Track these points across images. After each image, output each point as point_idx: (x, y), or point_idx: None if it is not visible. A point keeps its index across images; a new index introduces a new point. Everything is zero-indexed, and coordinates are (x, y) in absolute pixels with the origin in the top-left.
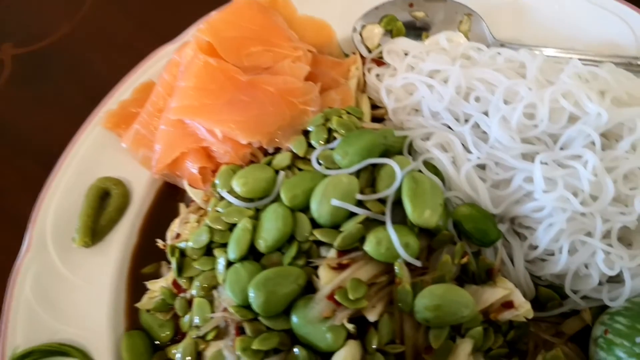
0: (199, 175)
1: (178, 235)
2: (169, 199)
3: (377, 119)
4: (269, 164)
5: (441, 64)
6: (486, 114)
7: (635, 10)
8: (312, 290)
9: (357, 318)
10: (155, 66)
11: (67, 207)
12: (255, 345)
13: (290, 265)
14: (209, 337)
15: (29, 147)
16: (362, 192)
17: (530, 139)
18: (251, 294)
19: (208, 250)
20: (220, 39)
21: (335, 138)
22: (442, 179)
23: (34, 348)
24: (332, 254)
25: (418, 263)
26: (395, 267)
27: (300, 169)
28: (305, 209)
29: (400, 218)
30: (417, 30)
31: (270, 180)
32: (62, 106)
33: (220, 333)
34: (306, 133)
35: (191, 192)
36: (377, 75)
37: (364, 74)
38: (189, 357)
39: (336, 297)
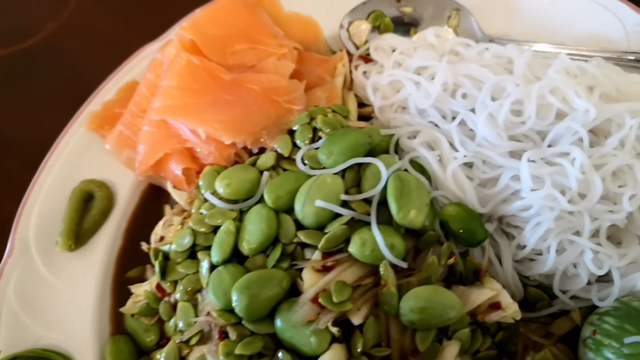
0: (182, 176)
1: (162, 238)
2: (154, 201)
3: (364, 117)
4: (253, 164)
5: (428, 60)
6: (473, 111)
7: (625, 4)
8: (297, 293)
9: (343, 321)
10: (140, 65)
11: (51, 210)
12: (238, 350)
13: (275, 268)
14: (193, 341)
15: (12, 148)
16: (347, 192)
17: (517, 136)
18: (234, 298)
19: (192, 253)
20: (204, 37)
21: (320, 137)
22: (429, 178)
23: (16, 354)
24: (316, 256)
25: (404, 264)
26: (381, 269)
27: (285, 169)
28: (290, 210)
29: (386, 218)
30: (405, 26)
31: (254, 181)
32: (47, 106)
33: (204, 337)
34: (291, 132)
35: (175, 194)
36: (364, 73)
37: (350, 71)
38: None
39: (320, 300)
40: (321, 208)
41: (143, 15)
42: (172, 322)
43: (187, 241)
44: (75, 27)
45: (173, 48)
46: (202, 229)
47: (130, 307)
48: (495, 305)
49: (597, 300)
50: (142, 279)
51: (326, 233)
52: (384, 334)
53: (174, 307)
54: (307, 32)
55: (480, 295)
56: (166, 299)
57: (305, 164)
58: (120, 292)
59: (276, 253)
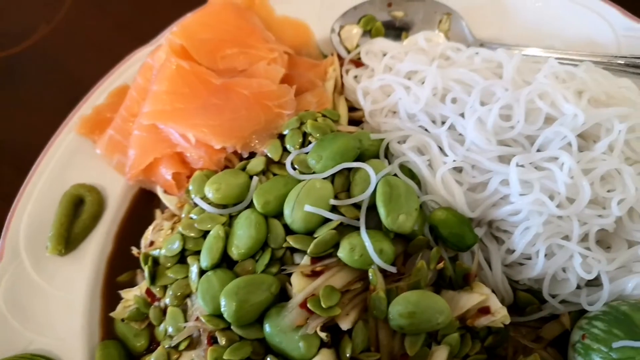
0: (173, 181)
1: (152, 243)
2: (145, 206)
3: (355, 122)
4: (243, 169)
5: (419, 64)
6: (463, 115)
7: (616, 9)
8: (286, 298)
9: (332, 326)
10: (131, 70)
11: (41, 214)
12: (226, 355)
13: (264, 273)
14: (182, 346)
15: (3, 152)
16: (337, 197)
17: (506, 141)
18: (222, 303)
19: (182, 258)
20: (194, 42)
21: (310, 142)
22: (419, 183)
23: (6, 359)
24: (306, 260)
25: (393, 269)
26: (370, 274)
27: (275, 174)
28: (279, 215)
29: (375, 223)
30: (396, 30)
31: (243, 186)
32: (38, 110)
33: (193, 343)
34: (282, 137)
35: (164, 199)
36: (355, 77)
37: (341, 76)
38: None
39: (309, 305)
40: (310, 213)
41: (135, 20)
42: (162, 327)
43: (177, 246)
44: (67, 31)
45: (163, 53)
46: (192, 234)
47: (120, 311)
48: (485, 310)
49: (586, 304)
50: (132, 283)
51: (315, 238)
52: (373, 339)
53: (163, 312)
54: (299, 36)
55: (469, 300)
56: (156, 303)
57: (295, 169)
58: (110, 296)
59: (265, 258)
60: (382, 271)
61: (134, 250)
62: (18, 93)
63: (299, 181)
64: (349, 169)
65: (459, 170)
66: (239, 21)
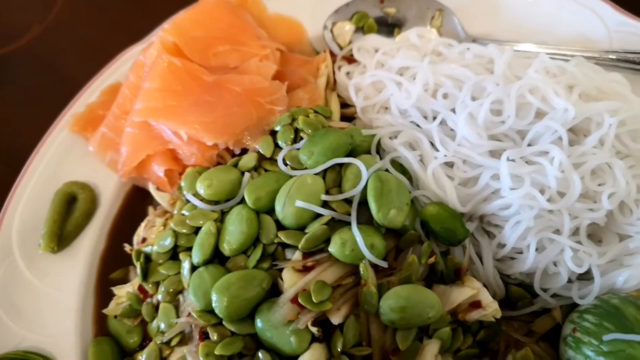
0: (165, 178)
1: (144, 240)
2: (138, 203)
3: (347, 118)
4: (235, 165)
5: (410, 60)
6: (454, 110)
7: (607, 4)
8: (278, 294)
9: (323, 321)
10: (123, 67)
11: (34, 212)
12: (218, 350)
13: (255, 269)
14: (174, 342)
15: None
16: (328, 192)
17: (497, 136)
18: (214, 298)
19: (174, 254)
20: (186, 39)
21: (302, 138)
22: (410, 178)
23: None
24: (297, 256)
25: (384, 264)
26: (361, 269)
27: (267, 170)
28: (271, 210)
29: (366, 218)
30: (389, 27)
31: (235, 182)
32: (31, 109)
33: (185, 338)
34: (274, 133)
35: (157, 195)
36: (347, 73)
37: (334, 72)
38: None
39: (300, 300)
40: (301, 208)
41: (128, 18)
42: (154, 323)
43: (169, 242)
44: (59, 31)
45: (155, 50)
46: (184, 230)
47: (113, 308)
48: (476, 304)
49: (577, 298)
50: (125, 280)
51: (306, 233)
52: (365, 334)
53: (156, 308)
54: (292, 34)
55: (460, 294)
56: (148, 300)
57: (286, 165)
58: (103, 293)
59: (257, 253)
60: (374, 266)
61: (127, 247)
62: (11, 92)
63: (291, 177)
64: (341, 165)
65: (450, 165)
66: (232, 18)
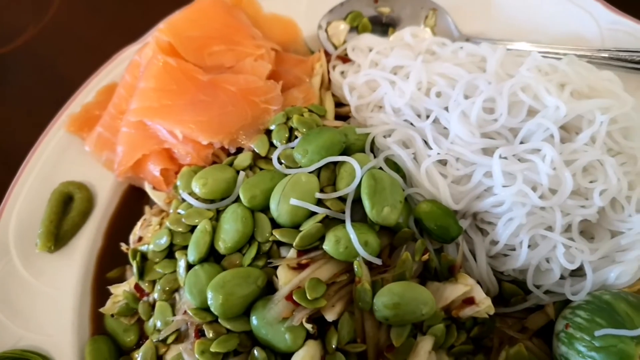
0: (161, 177)
1: (140, 239)
2: (134, 202)
3: (342, 117)
4: (230, 164)
5: (404, 59)
6: (447, 109)
7: (600, 3)
8: (273, 291)
9: (318, 318)
10: (119, 68)
11: (30, 212)
12: (213, 348)
13: (251, 266)
14: (170, 340)
15: None
16: (322, 190)
17: (490, 134)
18: (209, 296)
19: (170, 253)
20: (181, 39)
21: (296, 137)
22: (404, 176)
23: None
24: (292, 254)
25: (377, 261)
26: (355, 266)
27: (262, 169)
28: (265, 209)
29: (360, 216)
30: (383, 26)
31: (230, 181)
32: (27, 109)
33: (181, 336)
34: (269, 132)
35: (153, 195)
36: (342, 72)
37: (328, 72)
38: None
39: (294, 297)
40: (296, 206)
41: (123, 19)
42: (151, 321)
43: (165, 241)
44: (55, 31)
45: (150, 50)
46: (180, 229)
47: (109, 307)
48: (469, 301)
49: (570, 294)
50: (122, 279)
51: (301, 231)
52: (359, 330)
53: (152, 306)
54: (287, 33)
55: (454, 291)
56: (145, 298)
57: (281, 163)
58: (100, 292)
59: (252, 251)
60: (368, 263)
61: (123, 247)
62: (7, 92)
63: (285, 175)
64: (335, 163)
65: (443, 163)
66: (227, 18)
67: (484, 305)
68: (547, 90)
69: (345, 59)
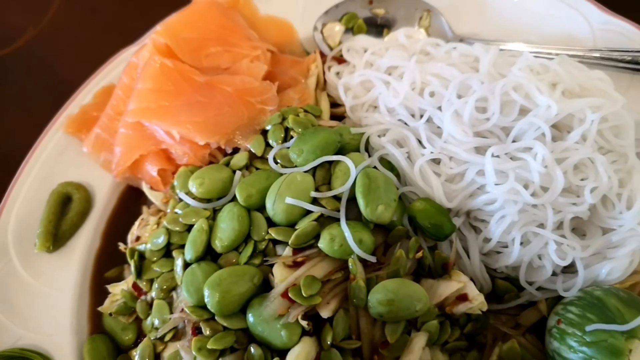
0: (158, 177)
1: (138, 238)
2: (132, 202)
3: (337, 117)
4: (227, 164)
5: (398, 60)
6: (441, 108)
7: (592, 3)
8: (269, 289)
9: (314, 315)
10: (116, 69)
11: (29, 212)
12: (210, 345)
13: (247, 265)
14: (167, 338)
15: None
16: (318, 189)
17: (483, 133)
18: (206, 294)
19: (167, 252)
20: (178, 41)
21: (292, 137)
22: (398, 175)
23: None
24: (287, 252)
25: (372, 259)
26: (350, 263)
27: (258, 168)
28: (261, 208)
29: (355, 215)
30: (378, 27)
31: (226, 181)
32: (26, 110)
33: (178, 334)
34: (264, 132)
35: (150, 195)
36: (337, 73)
37: (324, 72)
38: (147, 359)
39: (290, 294)
40: (292, 205)
41: (122, 21)
42: (148, 320)
43: (162, 240)
44: (54, 33)
45: (148, 52)
46: (177, 228)
47: (108, 306)
48: (463, 297)
49: (562, 290)
50: (120, 279)
51: (296, 229)
52: (354, 327)
53: (150, 305)
54: (282, 35)
55: (448, 288)
56: (143, 297)
57: (277, 163)
58: (98, 291)
59: (248, 250)
60: (362, 261)
61: (121, 246)
62: (6, 93)
63: (281, 175)
64: (330, 162)
65: (437, 161)
66: (223, 20)
67: (477, 301)
68: (539, 89)
69: (340, 59)
